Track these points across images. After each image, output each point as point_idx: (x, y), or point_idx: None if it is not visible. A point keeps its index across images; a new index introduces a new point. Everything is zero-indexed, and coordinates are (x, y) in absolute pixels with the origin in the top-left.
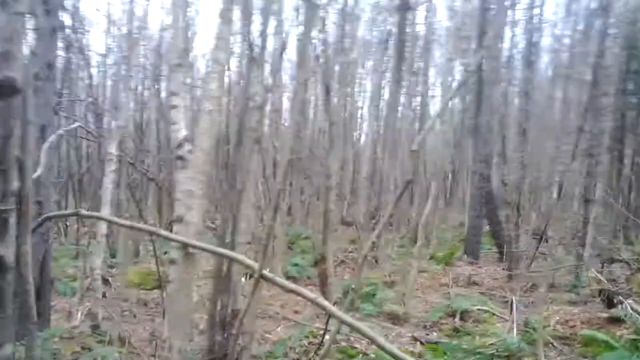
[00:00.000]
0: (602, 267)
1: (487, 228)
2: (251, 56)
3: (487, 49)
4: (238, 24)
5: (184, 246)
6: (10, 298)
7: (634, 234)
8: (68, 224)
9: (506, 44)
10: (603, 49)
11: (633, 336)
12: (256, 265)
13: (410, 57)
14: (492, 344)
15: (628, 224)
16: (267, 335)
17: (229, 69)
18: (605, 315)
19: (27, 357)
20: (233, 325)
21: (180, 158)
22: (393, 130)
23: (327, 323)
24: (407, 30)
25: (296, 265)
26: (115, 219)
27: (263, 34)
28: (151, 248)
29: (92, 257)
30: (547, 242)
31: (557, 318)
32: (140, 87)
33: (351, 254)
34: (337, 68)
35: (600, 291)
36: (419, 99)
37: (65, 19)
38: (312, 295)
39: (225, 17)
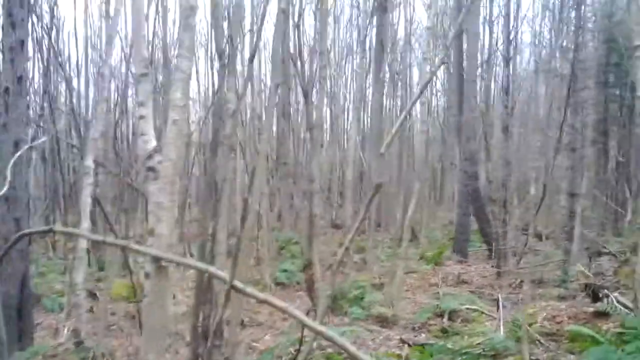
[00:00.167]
0: (590, 261)
1: (476, 226)
2: (222, 63)
3: (450, 48)
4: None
5: (156, 259)
6: None
7: (622, 225)
8: (57, 238)
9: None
10: (579, 43)
11: (619, 330)
12: (227, 277)
13: (391, 58)
14: (479, 343)
15: (616, 216)
16: (255, 344)
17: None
18: (591, 309)
19: None
20: (216, 336)
21: (151, 169)
22: (378, 132)
23: (302, 332)
24: (387, 31)
25: (285, 271)
26: (88, 234)
27: (233, 41)
28: (140, 260)
29: (75, 272)
30: (540, 238)
31: (545, 314)
32: (116, 97)
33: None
34: (316, 71)
35: (585, 285)
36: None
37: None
38: (282, 304)
39: (187, 24)
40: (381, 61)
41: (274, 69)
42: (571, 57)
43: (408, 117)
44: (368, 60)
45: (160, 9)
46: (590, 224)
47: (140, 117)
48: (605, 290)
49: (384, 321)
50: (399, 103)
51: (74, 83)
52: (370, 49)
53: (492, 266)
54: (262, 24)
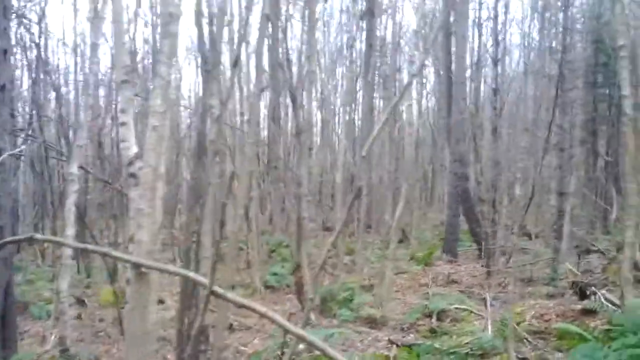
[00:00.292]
0: (579, 259)
1: (466, 226)
2: (206, 68)
3: (430, 50)
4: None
5: (136, 266)
6: None
7: (611, 223)
8: (46, 246)
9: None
10: (567, 44)
11: (607, 327)
12: (206, 282)
13: (381, 61)
14: (467, 343)
15: (605, 214)
16: (243, 348)
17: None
18: (579, 307)
19: None
20: (201, 341)
21: (132, 175)
22: (369, 135)
23: (284, 336)
24: (375, 35)
25: (275, 274)
26: (68, 242)
27: (217, 46)
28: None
29: (60, 279)
30: (530, 237)
31: (533, 312)
32: (102, 104)
33: (330, 259)
34: (305, 75)
35: (573, 283)
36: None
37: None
38: (263, 309)
39: (166, 31)
40: (371, 64)
41: (258, 74)
42: (559, 58)
43: (396, 119)
44: (358, 63)
45: (151, 15)
46: (580, 222)
47: (121, 124)
48: (593, 288)
49: (372, 322)
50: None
51: (65, 91)
52: (361, 52)
53: (482, 265)
54: (245, 29)
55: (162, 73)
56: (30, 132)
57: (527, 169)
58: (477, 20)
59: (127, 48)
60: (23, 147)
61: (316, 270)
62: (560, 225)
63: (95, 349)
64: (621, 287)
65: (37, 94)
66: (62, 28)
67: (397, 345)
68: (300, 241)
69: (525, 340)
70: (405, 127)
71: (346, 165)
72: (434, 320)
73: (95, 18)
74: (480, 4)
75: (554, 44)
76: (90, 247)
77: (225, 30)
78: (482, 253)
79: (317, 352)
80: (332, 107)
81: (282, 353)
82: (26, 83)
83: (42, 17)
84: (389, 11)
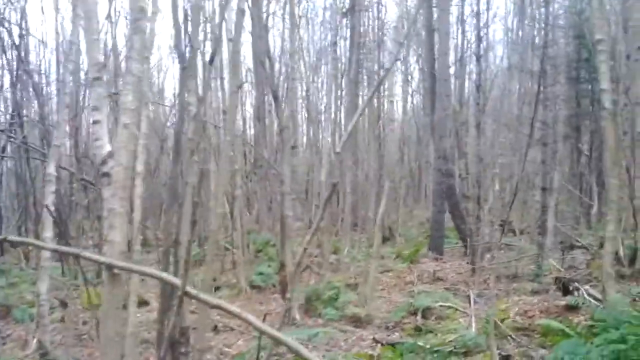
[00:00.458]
0: (563, 254)
1: (452, 223)
2: (183, 66)
3: (403, 45)
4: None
5: (109, 267)
6: None
7: (596, 218)
8: (30, 248)
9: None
10: (548, 40)
11: (590, 322)
12: (179, 282)
13: (365, 58)
14: (450, 341)
15: (589, 209)
16: (227, 350)
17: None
18: (562, 303)
19: None
20: (181, 343)
21: (105, 175)
22: (353, 132)
23: (259, 338)
24: (358, 32)
25: (261, 274)
26: (41, 244)
27: (194, 43)
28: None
29: (39, 282)
30: (514, 233)
31: (517, 309)
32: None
33: (316, 258)
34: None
35: (556, 279)
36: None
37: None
38: (236, 310)
39: (137, 27)
40: (353, 62)
41: (235, 70)
42: (541, 53)
43: (380, 117)
44: (343, 61)
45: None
46: (564, 217)
47: (94, 122)
48: (576, 284)
49: (357, 321)
50: (375, 103)
51: (47, 91)
52: (345, 49)
53: (467, 262)
54: (221, 25)
55: (133, 70)
56: (11, 133)
57: (511, 164)
58: (460, 16)
59: (100, 44)
60: (8, 149)
61: (294, 269)
62: (544, 220)
63: (77, 352)
64: (603, 282)
65: (17, 95)
66: (43, 28)
67: (382, 344)
68: (284, 240)
69: (509, 337)
70: (388, 124)
71: (331, 164)
72: (419, 318)
73: (77, 17)
74: (463, 0)
75: (536, 40)
76: (62, 248)
77: (209, 27)
78: (468, 250)
79: None
80: (319, 105)
81: (258, 356)
82: (7, 83)
83: (22, 17)
84: (371, 8)
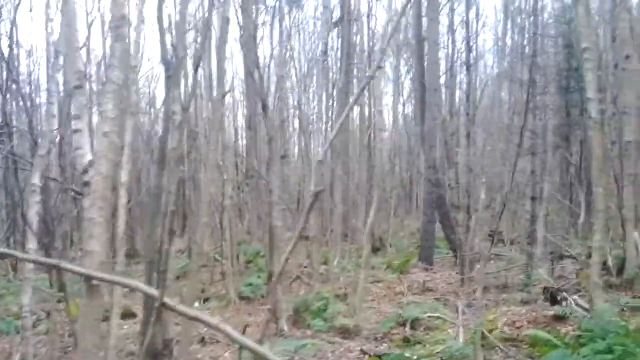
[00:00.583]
0: (552, 264)
1: (443, 233)
2: (168, 74)
3: (384, 54)
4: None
5: (88, 278)
6: None
7: (586, 228)
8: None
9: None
10: (537, 49)
11: (578, 332)
12: (156, 293)
13: (357, 67)
14: (438, 352)
15: (578, 219)
16: None
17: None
18: (551, 313)
19: None
20: (164, 355)
21: (87, 184)
22: (344, 142)
23: (240, 351)
24: (347, 43)
25: (250, 285)
26: (20, 255)
27: (179, 51)
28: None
29: (22, 294)
30: (505, 243)
31: (505, 319)
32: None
33: (306, 268)
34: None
35: (544, 289)
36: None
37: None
38: (214, 321)
39: (118, 34)
40: (344, 72)
41: (219, 79)
42: (529, 62)
43: (370, 126)
44: (334, 70)
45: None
46: (555, 227)
47: (75, 131)
48: (564, 294)
49: (346, 332)
50: (366, 112)
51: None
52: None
53: (457, 273)
54: (205, 34)
55: (113, 78)
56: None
57: (501, 174)
58: (450, 26)
59: (81, 53)
60: None
61: (275, 280)
62: (533, 230)
63: None
64: (590, 292)
65: (5, 104)
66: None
67: (369, 355)
68: (273, 250)
69: (497, 348)
70: (378, 134)
71: (319, 173)
72: (407, 329)
73: (66, 26)
74: (453, 10)
75: (526, 50)
76: (40, 259)
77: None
78: (458, 260)
79: None
80: (311, 114)
81: None
82: None
83: (12, 27)
84: (362, 18)
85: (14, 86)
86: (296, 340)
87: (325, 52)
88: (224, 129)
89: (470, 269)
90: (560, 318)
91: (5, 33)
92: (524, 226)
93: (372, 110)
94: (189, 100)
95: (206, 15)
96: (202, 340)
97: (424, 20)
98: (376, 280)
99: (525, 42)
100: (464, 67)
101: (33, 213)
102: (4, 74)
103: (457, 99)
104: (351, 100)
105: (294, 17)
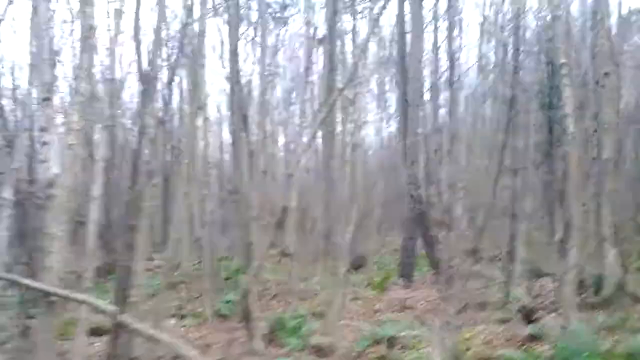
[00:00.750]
0: (531, 282)
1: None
2: (143, 87)
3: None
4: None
5: (45, 294)
6: None
7: (562, 246)
8: None
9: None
10: (518, 66)
11: (552, 352)
12: (112, 311)
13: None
14: None
15: (563, 237)
16: None
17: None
18: (527, 332)
19: None
20: None
21: (50, 198)
22: (328, 160)
23: None
24: (332, 60)
25: (228, 302)
26: None
27: (153, 65)
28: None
29: None
30: (486, 260)
31: (482, 337)
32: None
33: (285, 285)
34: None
35: (520, 307)
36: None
37: None
38: (171, 340)
39: (86, 45)
40: (327, 88)
41: (194, 92)
42: (511, 79)
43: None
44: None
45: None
46: (535, 244)
47: (43, 143)
48: (540, 312)
49: (321, 351)
50: (347, 128)
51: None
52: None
53: (437, 290)
54: (181, 47)
55: (81, 89)
56: None
57: (483, 190)
58: (434, 43)
59: (49, 64)
60: None
61: (241, 297)
62: (512, 248)
63: None
64: (564, 311)
65: None
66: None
67: None
68: (250, 266)
69: None
70: (355, 149)
71: (300, 189)
72: (384, 347)
73: (35, 37)
74: (437, 28)
75: (507, 67)
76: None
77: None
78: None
79: None
80: (297, 130)
81: None
82: None
83: None
84: (347, 35)
85: None
86: (271, 359)
87: (307, 69)
88: (207, 143)
89: (449, 286)
90: (535, 337)
91: None
92: (505, 243)
93: (352, 125)
94: (165, 113)
95: (183, 29)
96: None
97: (408, 37)
98: (356, 298)
99: (508, 59)
100: (447, 84)
101: (3, 228)
102: None
103: (440, 115)
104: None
105: (279, 34)
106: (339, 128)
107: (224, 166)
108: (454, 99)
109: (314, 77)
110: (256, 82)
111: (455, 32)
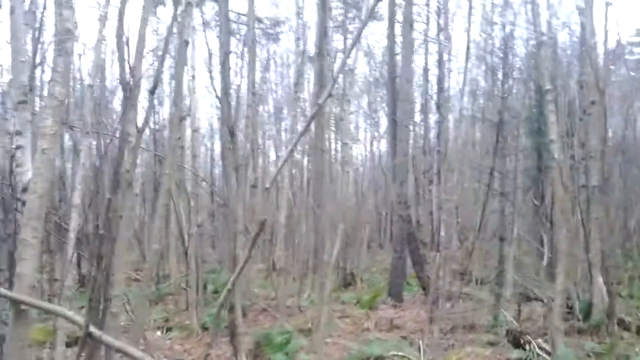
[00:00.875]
0: (519, 306)
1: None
2: (125, 95)
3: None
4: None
5: (15, 302)
6: None
7: (549, 271)
8: None
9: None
10: (506, 91)
11: None
12: (82, 322)
13: (330, 101)
14: None
15: (552, 261)
16: None
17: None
18: (514, 356)
19: None
20: None
21: (25, 204)
22: (319, 174)
23: None
24: (323, 76)
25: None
26: None
27: (136, 72)
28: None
29: None
30: (476, 283)
31: None
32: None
33: (273, 301)
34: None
35: (507, 331)
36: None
37: None
38: (140, 354)
39: (62, 48)
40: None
41: (176, 102)
42: (499, 104)
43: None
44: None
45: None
46: (524, 268)
47: (17, 147)
48: (527, 336)
49: None
50: (335, 146)
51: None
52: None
53: (426, 311)
54: (164, 56)
55: (55, 93)
56: None
57: (473, 213)
58: (425, 65)
59: (26, 67)
60: None
61: (217, 310)
62: (502, 271)
63: None
64: (551, 336)
65: None
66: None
67: None
68: (235, 280)
69: None
70: (344, 167)
71: (289, 205)
72: None
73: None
74: (427, 50)
75: (495, 92)
76: None
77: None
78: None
79: None
80: (284, 145)
81: None
82: None
83: None
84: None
85: None
86: None
87: (297, 84)
88: (196, 154)
89: (438, 307)
90: None
91: None
92: (494, 266)
93: (340, 144)
94: (145, 122)
95: (167, 36)
96: None
97: (398, 58)
98: (344, 316)
99: (499, 83)
100: (436, 106)
101: None
102: None
103: (430, 137)
104: (334, 135)
105: (271, 49)
106: (328, 145)
107: (214, 179)
108: (442, 121)
109: (305, 94)
110: (246, 96)
111: (445, 56)
